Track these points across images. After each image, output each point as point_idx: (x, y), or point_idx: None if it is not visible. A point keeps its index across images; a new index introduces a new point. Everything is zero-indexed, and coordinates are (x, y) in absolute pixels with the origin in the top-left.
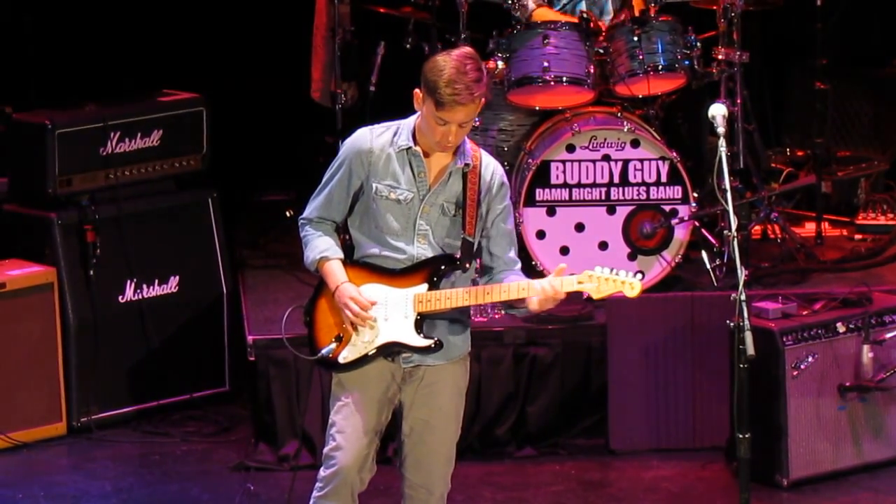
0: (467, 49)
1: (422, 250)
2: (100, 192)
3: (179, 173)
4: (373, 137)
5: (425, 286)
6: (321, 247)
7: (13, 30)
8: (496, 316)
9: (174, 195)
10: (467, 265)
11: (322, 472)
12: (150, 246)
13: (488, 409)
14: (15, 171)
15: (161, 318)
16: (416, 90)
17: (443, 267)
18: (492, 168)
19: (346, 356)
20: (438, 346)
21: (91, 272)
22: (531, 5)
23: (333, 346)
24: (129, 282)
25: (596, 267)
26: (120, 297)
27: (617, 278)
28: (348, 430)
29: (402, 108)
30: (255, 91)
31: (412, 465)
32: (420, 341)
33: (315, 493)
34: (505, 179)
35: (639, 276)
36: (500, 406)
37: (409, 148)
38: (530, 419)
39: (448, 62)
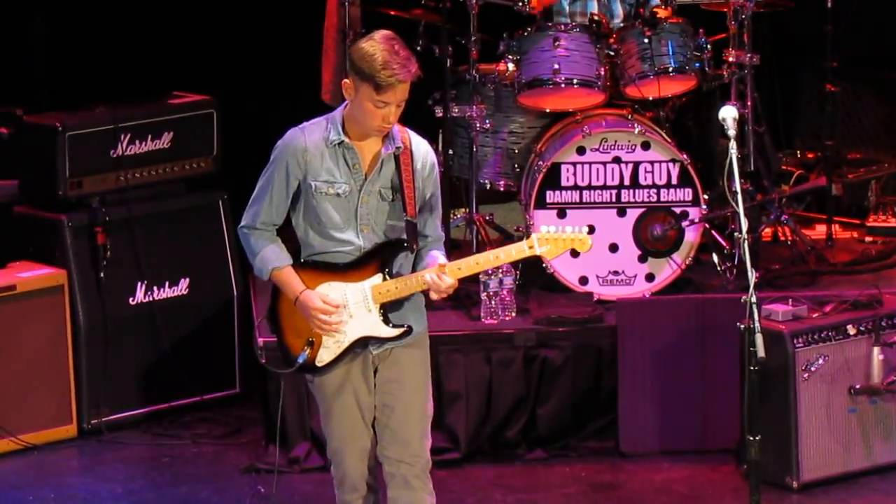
0: (385, 31)
1: (367, 239)
2: (110, 194)
3: (190, 175)
4: (305, 136)
5: (380, 277)
6: (269, 257)
7: (23, 31)
8: (507, 318)
9: (185, 197)
10: (414, 246)
11: (333, 471)
12: (161, 248)
13: (499, 411)
14: (25, 173)
15: (171, 320)
16: (345, 80)
17: (391, 254)
18: (423, 149)
19: (322, 359)
20: (410, 331)
21: (101, 274)
22: None
23: (308, 351)
24: (139, 284)
25: (541, 227)
26: (130, 300)
27: (566, 236)
28: (342, 436)
29: (412, 109)
30: (265, 93)
31: (388, 441)
32: (391, 332)
33: (335, 488)
34: (435, 160)
35: (585, 228)
36: (511, 408)
37: (342, 142)
38: (541, 421)
39: (376, 46)
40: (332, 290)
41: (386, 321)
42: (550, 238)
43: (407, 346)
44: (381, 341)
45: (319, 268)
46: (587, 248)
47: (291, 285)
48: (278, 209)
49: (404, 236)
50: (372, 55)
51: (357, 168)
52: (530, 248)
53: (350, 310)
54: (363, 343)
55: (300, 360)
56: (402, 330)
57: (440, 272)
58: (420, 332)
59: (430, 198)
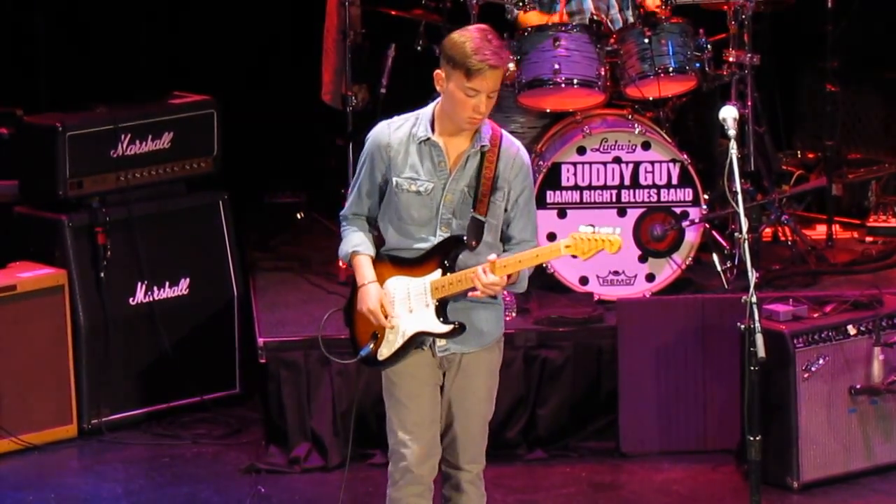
0: (480, 24)
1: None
2: (110, 194)
3: (190, 175)
4: (391, 132)
5: (439, 272)
6: (353, 241)
7: (23, 31)
8: (507, 318)
9: (185, 197)
10: (473, 243)
11: (392, 467)
12: (161, 248)
13: (499, 411)
14: (26, 173)
15: (172, 321)
16: (437, 71)
17: (452, 250)
18: (512, 150)
19: (383, 353)
20: (461, 328)
21: (102, 274)
22: (514, 11)
23: (371, 345)
24: (139, 284)
25: (580, 226)
26: (130, 300)
27: (597, 237)
28: (409, 425)
29: (413, 111)
30: (265, 93)
31: (448, 446)
32: (441, 327)
33: (389, 486)
34: (527, 160)
35: (618, 230)
36: (511, 408)
37: (428, 139)
38: (541, 422)
39: (468, 34)
40: (397, 284)
41: (439, 317)
42: (585, 239)
43: (477, 354)
44: (440, 340)
45: (391, 262)
46: (615, 249)
47: (363, 273)
48: (368, 201)
49: (465, 234)
50: (463, 42)
51: (442, 166)
52: (566, 247)
53: (410, 304)
54: (421, 341)
55: (363, 353)
56: (451, 327)
57: (486, 268)
58: (493, 339)
59: (517, 199)
